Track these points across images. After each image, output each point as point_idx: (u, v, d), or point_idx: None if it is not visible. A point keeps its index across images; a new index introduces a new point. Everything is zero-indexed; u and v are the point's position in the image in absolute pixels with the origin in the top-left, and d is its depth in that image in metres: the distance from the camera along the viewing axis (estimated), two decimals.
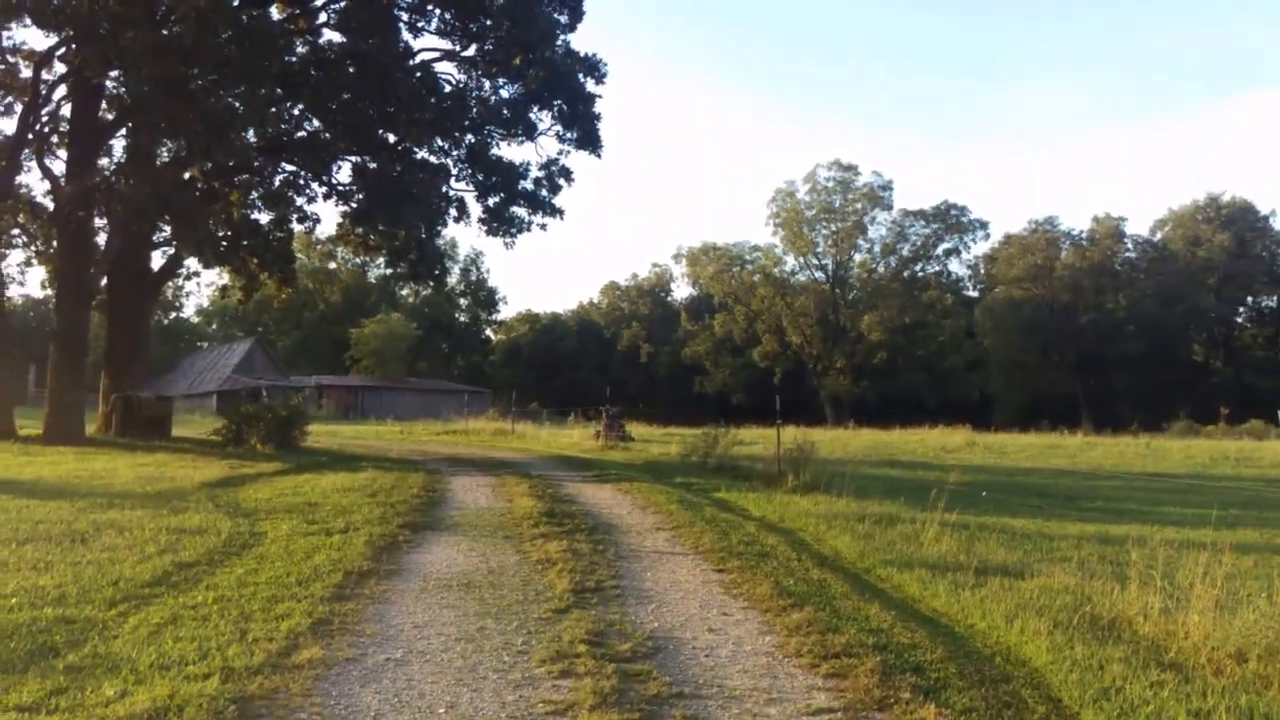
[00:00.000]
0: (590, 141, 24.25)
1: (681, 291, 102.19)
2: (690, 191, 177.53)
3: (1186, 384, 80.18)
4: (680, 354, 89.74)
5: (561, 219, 25.48)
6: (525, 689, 5.35)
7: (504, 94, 24.07)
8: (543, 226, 25.63)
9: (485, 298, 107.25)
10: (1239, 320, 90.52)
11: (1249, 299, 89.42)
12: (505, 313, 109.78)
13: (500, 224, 25.50)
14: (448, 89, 23.78)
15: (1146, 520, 13.75)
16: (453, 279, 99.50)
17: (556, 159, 24.86)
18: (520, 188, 24.94)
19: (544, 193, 25.06)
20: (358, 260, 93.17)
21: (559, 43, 23.33)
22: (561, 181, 25.00)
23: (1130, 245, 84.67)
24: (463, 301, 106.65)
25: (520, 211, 25.42)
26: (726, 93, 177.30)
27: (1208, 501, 16.71)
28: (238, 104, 20.47)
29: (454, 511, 12.68)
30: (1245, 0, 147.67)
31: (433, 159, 25.37)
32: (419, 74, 22.98)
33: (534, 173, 25.10)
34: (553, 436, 33.44)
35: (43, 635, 6.14)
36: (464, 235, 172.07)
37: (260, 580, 7.88)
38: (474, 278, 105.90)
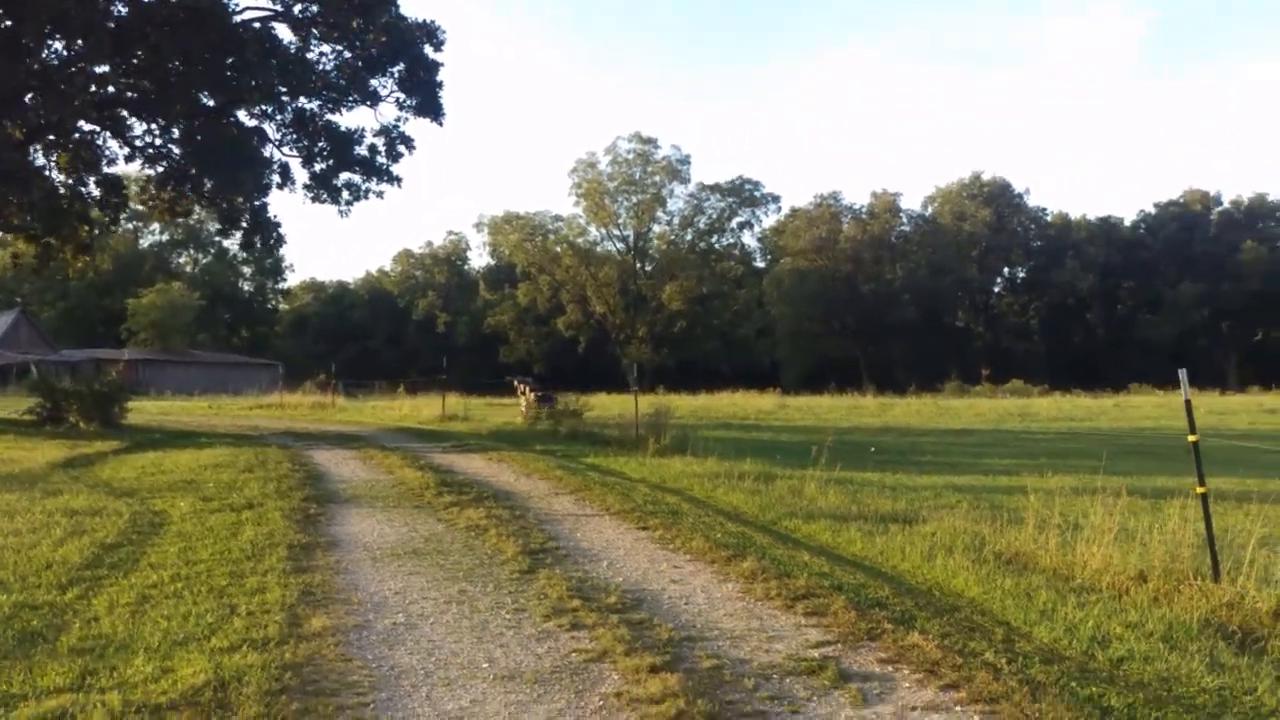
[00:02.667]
0: (430, 109, 23.87)
1: (480, 260, 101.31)
2: (488, 160, 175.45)
3: (953, 348, 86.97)
4: (482, 323, 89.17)
5: (399, 187, 25.06)
6: (547, 641, 5.68)
7: (344, 57, 23.24)
8: (379, 194, 25.11)
9: (271, 266, 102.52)
10: (996, 290, 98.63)
11: (1006, 270, 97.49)
12: (292, 281, 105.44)
13: (329, 191, 24.76)
14: (279, 50, 22.75)
15: (977, 471, 15.26)
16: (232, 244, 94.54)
17: (395, 126, 24.38)
18: (356, 154, 24.29)
19: (382, 160, 24.51)
20: (129, 227, 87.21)
21: (392, 7, 22.78)
22: (402, 149, 24.53)
23: (905, 219, 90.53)
24: (246, 270, 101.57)
25: (355, 178, 24.77)
26: (528, 60, 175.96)
27: (1016, 452, 18.64)
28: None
29: (341, 485, 12.58)
30: None
31: (255, 123, 24.31)
32: (252, 33, 21.88)
33: (369, 139, 24.54)
34: (379, 410, 32.83)
35: (16, 621, 5.94)
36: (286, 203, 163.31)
37: (204, 557, 7.76)
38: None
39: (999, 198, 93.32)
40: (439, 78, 23.56)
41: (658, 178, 78.89)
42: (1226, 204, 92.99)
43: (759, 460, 14.74)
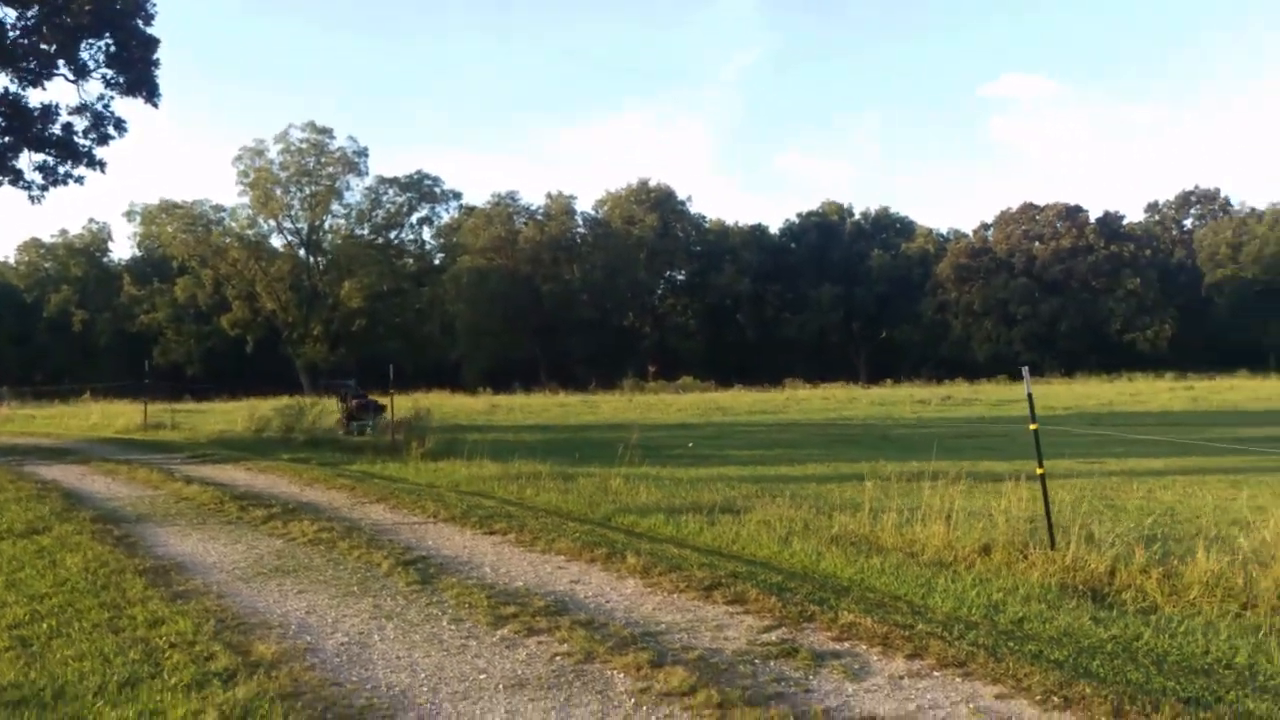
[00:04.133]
0: (142, 86, 21.49)
1: (125, 252, 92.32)
2: (141, 146, 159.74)
3: (625, 346, 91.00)
4: (128, 321, 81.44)
5: (103, 171, 22.28)
6: (519, 648, 5.73)
7: (30, 21, 20.41)
8: (79, 180, 22.28)
9: None
10: (661, 291, 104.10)
11: (669, 272, 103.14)
12: None
13: (4, 172, 21.69)
14: None
15: (731, 462, 16.39)
16: None
17: (97, 104, 21.71)
18: (48, 133, 21.43)
19: (84, 142, 21.80)
20: None
21: None
22: (111, 131, 21.88)
23: (581, 222, 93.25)
24: None
25: (48, 159, 21.81)
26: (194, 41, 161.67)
27: (753, 443, 20.12)
28: None
29: (114, 503, 11.41)
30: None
31: None
32: None
33: (65, 117, 21.71)
34: (61, 419, 29.23)
35: None
36: None
37: (44, 590, 6.94)
38: None
39: (664, 204, 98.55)
40: (156, 55, 21.40)
41: (332, 169, 75.82)
42: (857, 215, 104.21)
43: (529, 461, 14.93)
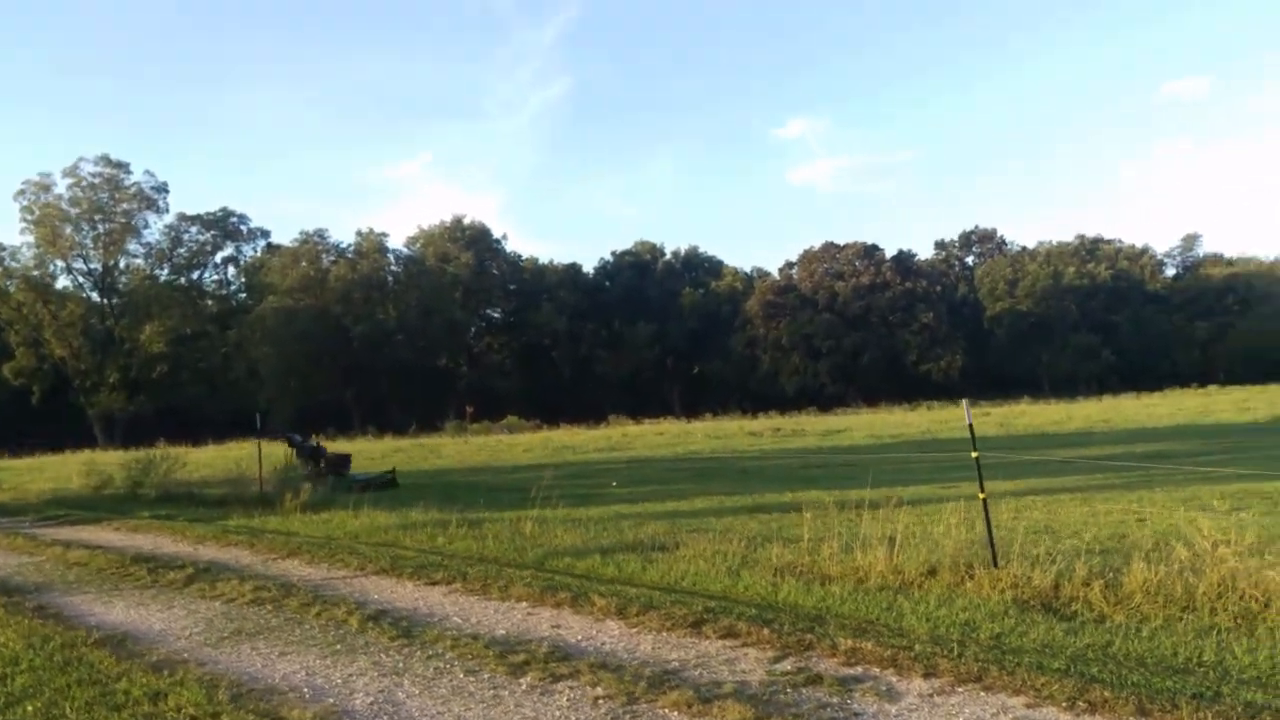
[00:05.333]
0: None
1: None
2: None
3: (442, 387, 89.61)
4: None
5: None
6: (554, 695, 5.78)
7: None
8: None
9: None
10: (476, 331, 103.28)
11: (485, 310, 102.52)
12: None
13: None
14: None
15: (617, 500, 16.61)
16: None
17: None
18: None
19: None
20: None
21: None
22: None
23: (393, 260, 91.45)
24: None
25: None
26: None
27: (626, 480, 20.38)
28: None
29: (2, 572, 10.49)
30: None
31: None
32: None
33: None
34: None
35: None
36: None
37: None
38: None
39: (479, 242, 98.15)
40: None
41: (128, 205, 71.43)
42: (669, 255, 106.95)
43: (416, 509, 14.69)
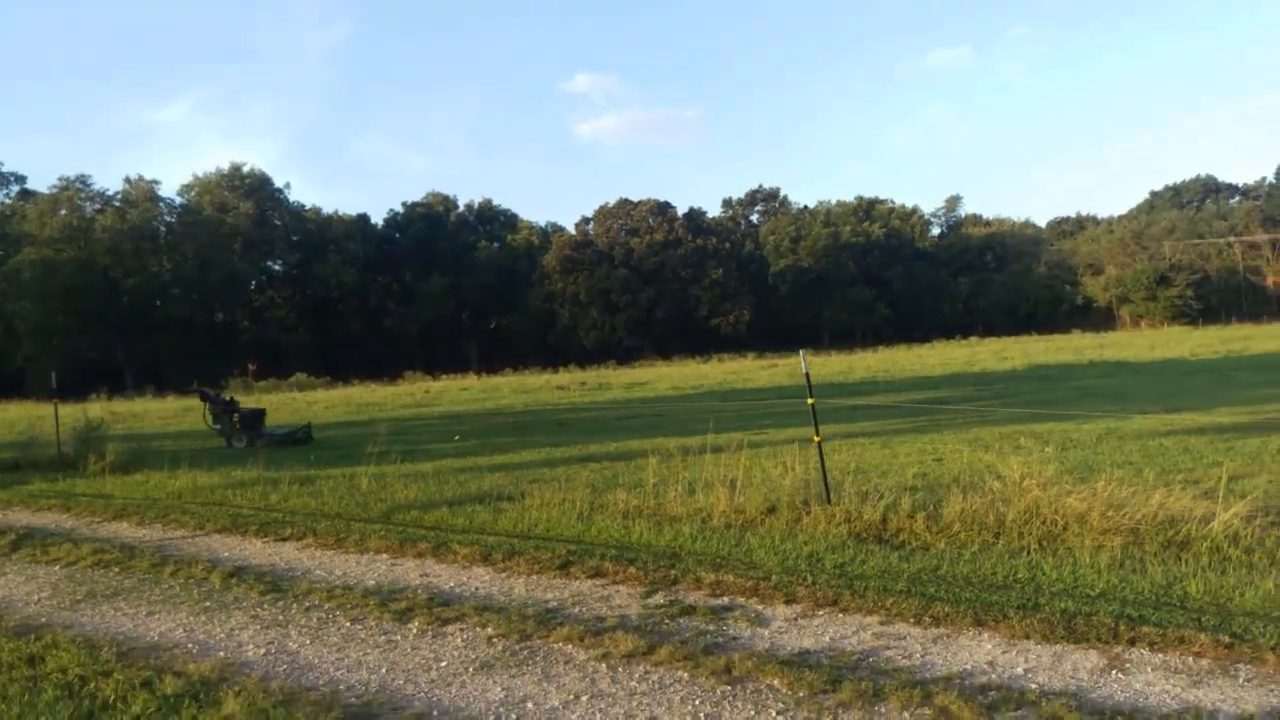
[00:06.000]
0: None
1: None
2: None
3: (222, 343, 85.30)
4: None
5: None
6: (448, 638, 6.01)
7: None
8: None
9: None
10: (258, 284, 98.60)
11: (268, 262, 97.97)
12: None
13: None
14: None
15: (440, 456, 16.67)
16: None
17: None
18: None
19: None
20: None
21: None
22: None
23: (166, 210, 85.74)
24: None
25: None
26: None
27: (441, 437, 20.38)
28: None
29: None
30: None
31: None
32: None
33: None
34: None
35: None
36: None
37: None
38: None
39: (259, 191, 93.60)
40: None
41: None
42: (462, 207, 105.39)
43: (242, 467, 14.32)
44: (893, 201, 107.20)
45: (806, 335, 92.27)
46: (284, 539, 9.22)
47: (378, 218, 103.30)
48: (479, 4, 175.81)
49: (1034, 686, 4.79)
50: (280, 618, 6.53)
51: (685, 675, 5.17)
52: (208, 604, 6.92)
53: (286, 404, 37.18)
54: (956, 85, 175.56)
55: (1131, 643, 5.31)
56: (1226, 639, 5.22)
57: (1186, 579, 6.34)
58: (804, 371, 9.33)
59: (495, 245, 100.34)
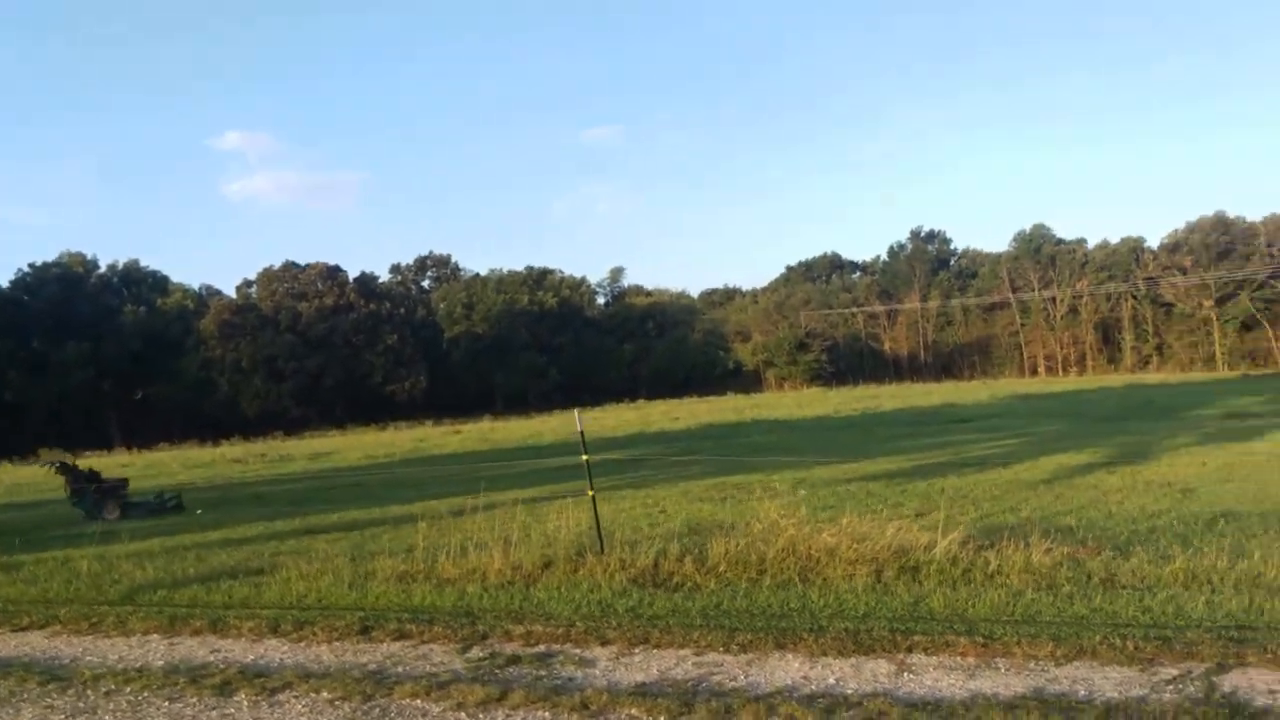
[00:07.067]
0: None
1: None
2: None
3: None
4: None
5: None
6: (286, 706, 5.94)
7: None
8: None
9: None
10: None
11: None
12: None
13: None
14: None
15: (144, 536, 15.51)
16: None
17: None
18: None
19: None
20: None
21: None
22: None
23: None
24: None
25: None
26: None
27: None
28: None
29: None
30: None
31: None
32: None
33: None
34: None
35: None
36: None
37: None
38: None
39: None
40: None
41: None
42: (104, 268, 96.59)
43: None
44: (562, 271, 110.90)
45: (481, 401, 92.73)
46: (23, 628, 8.45)
47: (3, 280, 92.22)
48: (100, 56, 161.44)
49: (850, 691, 5.62)
50: (81, 706, 6.10)
51: (547, 714, 5.53)
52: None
53: None
54: (610, 162, 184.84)
55: (909, 650, 6.31)
56: (981, 640, 6.36)
57: (929, 596, 7.54)
58: (579, 429, 9.93)
59: (143, 309, 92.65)
